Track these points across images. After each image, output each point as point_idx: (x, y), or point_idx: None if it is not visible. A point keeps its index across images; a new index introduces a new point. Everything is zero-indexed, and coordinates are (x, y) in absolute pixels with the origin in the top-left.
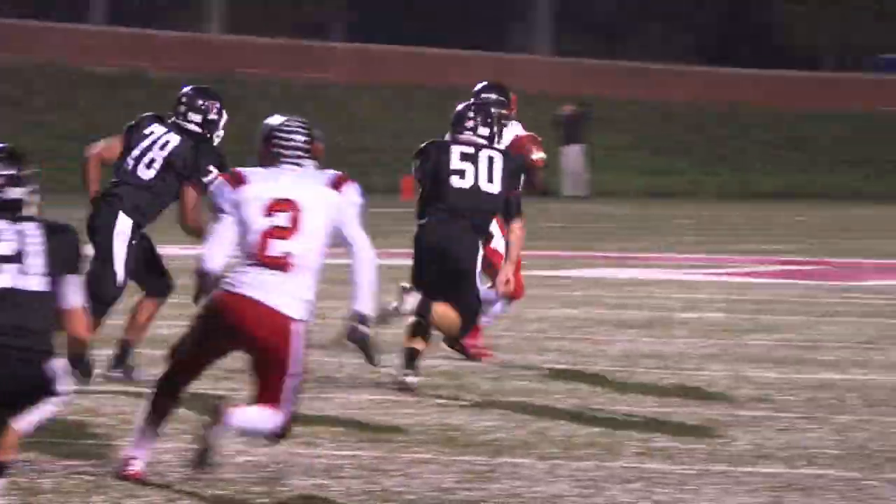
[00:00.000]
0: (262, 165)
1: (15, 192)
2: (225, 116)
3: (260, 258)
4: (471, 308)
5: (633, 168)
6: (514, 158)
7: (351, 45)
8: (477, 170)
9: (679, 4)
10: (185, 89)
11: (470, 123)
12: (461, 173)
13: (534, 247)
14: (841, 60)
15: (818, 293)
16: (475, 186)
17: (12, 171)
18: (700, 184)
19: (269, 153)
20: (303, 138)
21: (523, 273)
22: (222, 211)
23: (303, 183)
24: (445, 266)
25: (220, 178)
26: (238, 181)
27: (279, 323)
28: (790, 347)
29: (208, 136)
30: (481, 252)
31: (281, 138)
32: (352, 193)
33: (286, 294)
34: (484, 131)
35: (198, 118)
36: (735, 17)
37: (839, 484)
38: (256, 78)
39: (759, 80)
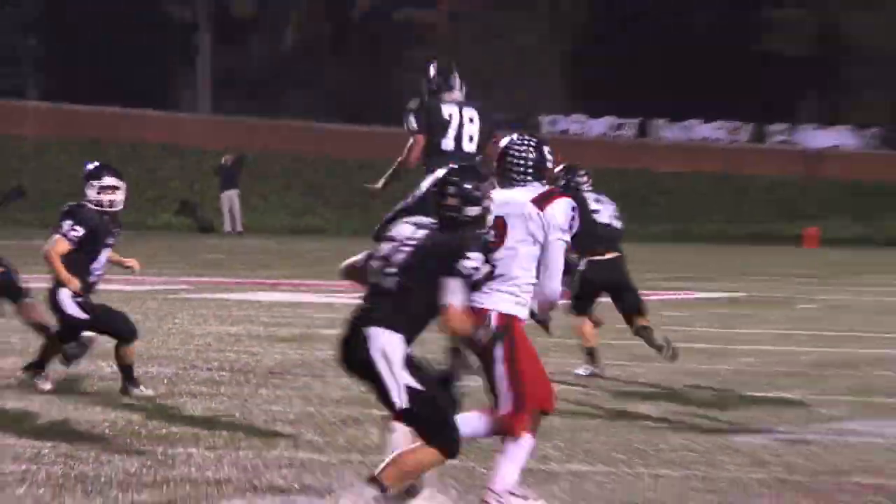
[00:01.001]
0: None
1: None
2: None
3: None
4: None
5: (280, 209)
6: None
7: (43, 104)
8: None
9: (318, 71)
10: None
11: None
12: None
13: (199, 273)
14: None
15: None
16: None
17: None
18: (334, 222)
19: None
20: (531, 157)
21: None
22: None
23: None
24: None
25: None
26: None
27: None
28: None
29: None
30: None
31: (510, 156)
32: (552, 212)
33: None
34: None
35: None
36: (366, 84)
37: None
38: None
39: (382, 137)
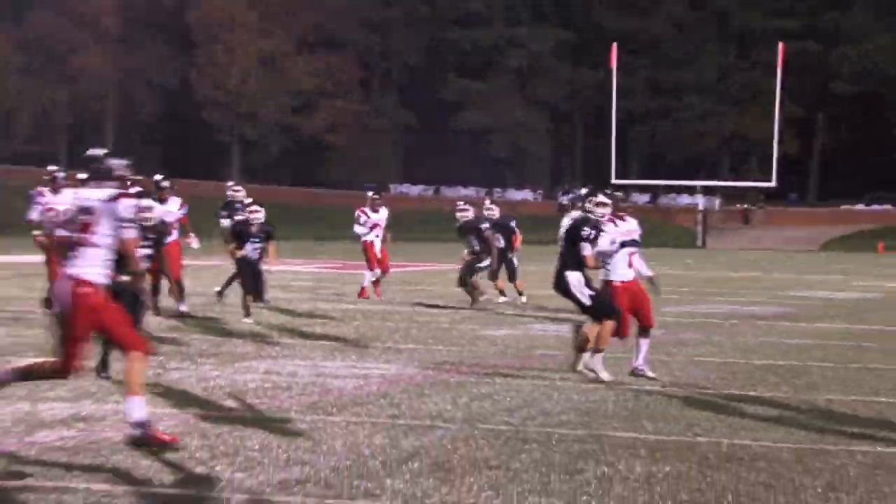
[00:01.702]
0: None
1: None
2: None
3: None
4: None
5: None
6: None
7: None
8: None
9: (291, 167)
10: None
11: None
12: None
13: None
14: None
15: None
16: None
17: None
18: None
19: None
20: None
21: None
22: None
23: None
24: None
25: None
26: None
27: None
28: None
29: None
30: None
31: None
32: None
33: None
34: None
35: None
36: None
37: None
38: None
39: (320, 194)
